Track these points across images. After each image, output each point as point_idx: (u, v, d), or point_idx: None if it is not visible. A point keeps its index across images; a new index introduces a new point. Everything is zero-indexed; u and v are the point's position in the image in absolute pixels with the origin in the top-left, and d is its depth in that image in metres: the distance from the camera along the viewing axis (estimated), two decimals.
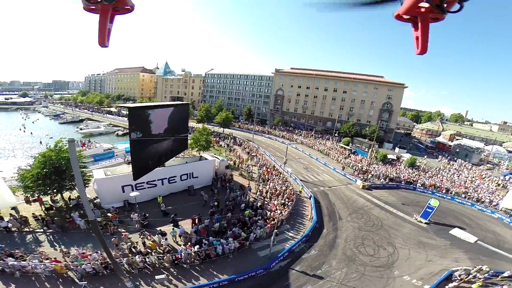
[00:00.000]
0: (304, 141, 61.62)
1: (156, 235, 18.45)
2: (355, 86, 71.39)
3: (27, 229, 18.72)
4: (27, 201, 22.12)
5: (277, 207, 24.57)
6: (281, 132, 68.50)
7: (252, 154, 44.23)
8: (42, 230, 18.74)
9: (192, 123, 54.29)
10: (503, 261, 20.82)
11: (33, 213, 19.89)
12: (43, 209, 21.30)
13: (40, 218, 19.39)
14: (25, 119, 75.09)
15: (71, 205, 22.18)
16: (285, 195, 26.96)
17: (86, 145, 40.91)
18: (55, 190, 21.01)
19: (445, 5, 2.09)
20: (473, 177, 45.68)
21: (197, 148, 38.21)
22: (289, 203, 25.50)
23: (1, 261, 14.30)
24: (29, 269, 14.45)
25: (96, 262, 15.02)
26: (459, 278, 17.37)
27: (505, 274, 17.89)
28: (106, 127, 64.74)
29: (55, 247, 17.21)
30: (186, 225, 20.79)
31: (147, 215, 20.59)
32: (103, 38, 2.78)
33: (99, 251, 16.03)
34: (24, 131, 60.30)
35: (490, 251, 22.54)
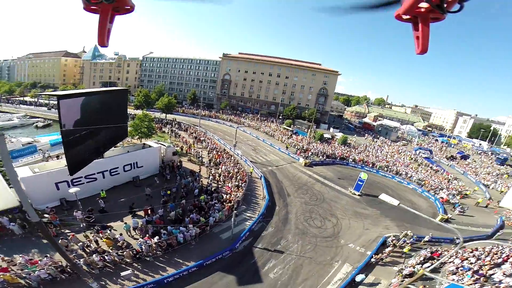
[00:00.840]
0: (251, 124, 63.30)
1: (108, 231, 17.21)
2: (296, 72, 75.90)
3: None
4: None
5: (231, 189, 25.21)
6: (229, 116, 68.78)
7: (201, 138, 43.54)
8: None
9: (130, 110, 49.98)
10: (421, 226, 24.96)
11: None
12: None
13: None
14: None
15: None
16: (238, 177, 27.74)
17: None
18: None
19: (445, 5, 2.11)
20: (392, 152, 54.04)
21: (137, 136, 35.79)
22: (242, 185, 26.40)
23: None
24: None
25: (50, 267, 13.52)
26: (392, 244, 20.51)
27: (426, 239, 21.62)
28: (21, 118, 54.56)
29: None
30: (138, 217, 19.82)
31: (93, 210, 19.01)
32: (103, 38, 2.78)
33: (48, 255, 14.45)
34: None
35: (410, 216, 26.59)
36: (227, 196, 23.85)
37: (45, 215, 18.00)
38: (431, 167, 47.01)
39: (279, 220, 23.12)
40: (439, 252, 19.50)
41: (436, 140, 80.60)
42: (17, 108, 67.19)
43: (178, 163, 30.24)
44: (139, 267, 15.74)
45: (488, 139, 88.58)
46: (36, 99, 75.61)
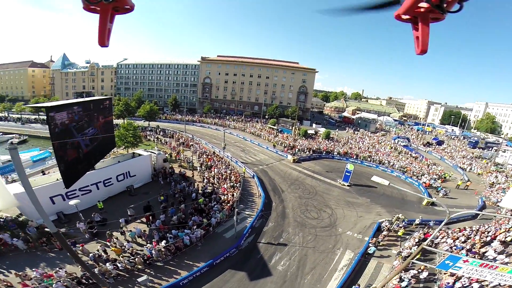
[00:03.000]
0: (236, 125, 63.69)
1: (115, 240, 17.18)
2: (276, 72, 77.44)
3: None
4: None
5: (227, 190, 25.66)
6: (213, 120, 68.60)
7: (190, 143, 43.46)
8: None
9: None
10: (409, 211, 26.47)
11: None
12: None
13: None
14: None
15: None
16: (232, 178, 28.22)
17: None
18: None
19: (445, 5, 2.10)
20: (373, 142, 56.75)
21: (124, 146, 35.17)
22: (237, 185, 26.93)
23: None
24: None
25: (67, 279, 13.42)
26: (386, 228, 21.80)
27: (417, 222, 23.07)
28: None
29: (3, 273, 14.58)
30: (140, 225, 20.04)
31: (93, 221, 18.81)
32: (103, 38, 2.76)
33: (62, 268, 14.33)
34: None
35: (399, 202, 28.97)
36: (225, 197, 24.30)
37: (46, 229, 17.60)
38: (410, 154, 49.84)
39: (278, 215, 23.92)
40: (430, 233, 20.85)
41: (412, 128, 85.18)
42: None
43: (170, 170, 30.17)
44: (152, 272, 15.90)
45: (459, 124, 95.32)
46: (6, 114, 71.16)
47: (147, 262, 16.17)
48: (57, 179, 19.58)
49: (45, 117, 49.19)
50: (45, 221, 9.89)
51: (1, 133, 53.82)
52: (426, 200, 28.86)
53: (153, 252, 16.27)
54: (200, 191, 25.50)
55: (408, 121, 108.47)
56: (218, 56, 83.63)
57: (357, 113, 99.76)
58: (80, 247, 16.37)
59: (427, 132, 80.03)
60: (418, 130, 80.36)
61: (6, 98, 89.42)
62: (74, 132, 17.86)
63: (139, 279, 14.59)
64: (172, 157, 36.74)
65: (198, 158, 36.22)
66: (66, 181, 16.75)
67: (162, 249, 16.55)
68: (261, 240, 20.12)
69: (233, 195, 24.57)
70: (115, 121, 51.20)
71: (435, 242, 19.99)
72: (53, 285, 13.10)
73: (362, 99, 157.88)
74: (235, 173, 29.98)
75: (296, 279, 16.55)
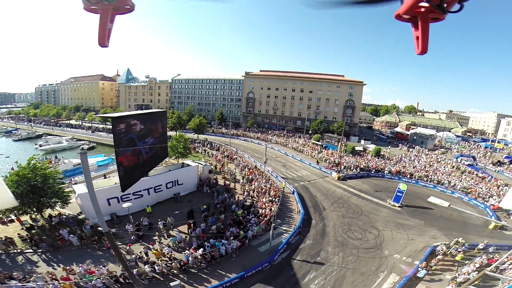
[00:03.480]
0: (278, 140, 63.64)
1: (157, 244, 18.32)
2: (320, 85, 75.99)
3: (15, 251, 17.53)
4: (2, 223, 20.58)
5: (265, 204, 25.57)
6: (256, 134, 69.78)
7: (234, 157, 44.78)
8: (31, 250, 17.65)
9: None
10: (472, 235, 23.51)
11: (18, 234, 18.76)
12: (24, 229, 19.98)
13: (27, 238, 18.23)
14: None
15: (53, 223, 20.95)
16: (271, 193, 28.06)
17: (53, 162, 37.86)
18: (34, 209, 19.94)
19: (445, 5, 2.10)
20: (431, 161, 51.19)
21: (174, 156, 37.70)
22: (276, 200, 26.64)
23: (4, 284, 13.48)
24: None
25: (106, 277, 14.64)
26: (442, 252, 19.52)
27: (480, 246, 20.43)
28: (69, 141, 60.10)
29: (53, 266, 16.42)
30: (182, 230, 21.04)
31: (140, 224, 20.33)
32: (103, 38, 2.78)
33: (104, 266, 15.70)
34: None
35: (459, 225, 25.79)
36: (263, 211, 24.23)
37: (99, 228, 19.57)
38: (476, 174, 43.90)
39: (317, 233, 22.91)
40: (497, 259, 18.07)
41: (478, 145, 74.92)
42: (65, 131, 74.21)
43: (214, 181, 31.33)
44: (185, 278, 16.38)
45: None
46: (81, 123, 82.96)
47: (183, 268, 16.75)
48: (115, 183, 21.73)
49: (111, 126, 55.94)
50: (100, 220, 10.97)
51: (75, 139, 62.74)
52: (494, 224, 25.20)
53: (189, 258, 16.85)
54: (239, 203, 25.83)
55: (473, 137, 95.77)
56: (260, 71, 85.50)
57: (412, 128, 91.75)
58: (128, 247, 17.72)
59: (498, 150, 69.65)
60: (486, 147, 70.51)
61: (81, 108, 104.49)
62: (136, 140, 19.92)
63: (172, 284, 15.12)
64: (217, 168, 38.19)
65: (241, 171, 36.98)
66: (122, 185, 18.66)
67: (199, 257, 17.06)
68: (296, 257, 19.39)
69: (271, 209, 24.36)
70: (169, 133, 55.95)
71: (500, 268, 17.23)
72: (93, 281, 14.32)
73: (417, 113, 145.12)
74: (275, 188, 29.75)
75: None
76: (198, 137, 60.48)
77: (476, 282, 15.42)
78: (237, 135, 68.87)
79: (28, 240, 18.20)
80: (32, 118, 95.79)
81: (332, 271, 17.96)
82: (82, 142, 60.76)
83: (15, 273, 14.41)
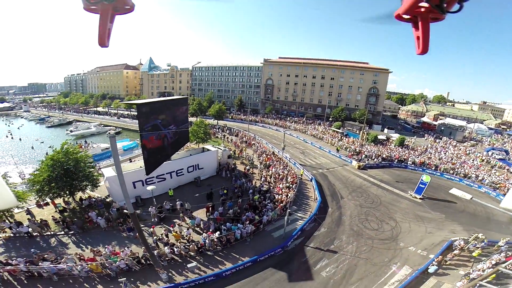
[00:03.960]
0: (297, 127, 63.14)
1: (177, 226, 19.17)
2: (342, 72, 73.37)
3: (49, 233, 18.96)
4: (39, 205, 22.12)
5: (282, 190, 25.80)
6: (274, 120, 69.60)
7: (251, 143, 45.25)
8: (63, 233, 19.03)
9: None
10: (494, 231, 22.38)
11: (52, 216, 20.21)
12: (57, 211, 21.43)
13: (60, 220, 19.62)
14: (9, 126, 72.06)
15: (83, 206, 22.36)
16: (289, 179, 28.21)
17: (83, 147, 40.40)
18: (67, 192, 21.22)
19: (444, 5, 2.10)
20: (458, 153, 48.43)
21: (195, 141, 38.73)
22: (293, 186, 26.77)
23: (37, 265, 14.49)
24: (65, 271, 14.77)
25: (129, 258, 15.58)
26: (459, 247, 18.78)
27: (500, 244, 19.28)
28: (97, 127, 63.58)
29: (82, 248, 17.64)
30: (200, 214, 21.72)
31: (163, 207, 21.28)
32: (103, 38, 2.79)
33: (127, 247, 16.75)
34: (12, 138, 58.33)
35: (481, 221, 24.53)
36: (279, 197, 24.48)
37: (125, 211, 20.61)
38: (508, 169, 41.09)
39: (332, 221, 22.88)
40: None
41: None
42: (93, 118, 78.32)
43: (233, 166, 31.98)
44: (201, 260, 17.12)
45: None
46: (107, 109, 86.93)
47: (200, 250, 17.48)
48: (140, 167, 22.76)
49: (135, 113, 59.08)
50: (127, 202, 11.81)
51: (102, 125, 66.11)
52: None
53: (206, 241, 17.56)
54: (256, 189, 26.27)
55: (508, 130, 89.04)
56: (279, 57, 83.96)
57: (440, 119, 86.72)
58: (152, 229, 18.72)
59: None
60: None
61: (107, 96, 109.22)
62: (159, 125, 20.65)
63: (189, 265, 15.93)
64: (236, 154, 38.87)
65: (259, 157, 37.32)
66: (147, 168, 19.52)
67: (215, 239, 17.70)
68: (310, 244, 19.60)
69: (287, 195, 24.58)
70: (190, 119, 57.34)
71: None
72: (117, 262, 15.26)
73: (447, 103, 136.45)
74: (292, 174, 29.83)
75: (338, 287, 15.67)
76: (217, 123, 61.46)
77: (490, 279, 14.78)
78: (256, 121, 69.14)
79: (61, 222, 19.49)
80: (63, 106, 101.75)
81: (344, 260, 18.01)
82: (109, 127, 63.89)
83: (47, 255, 15.53)
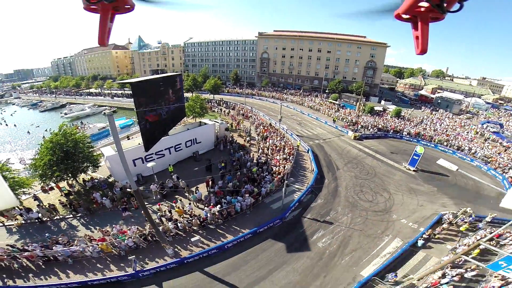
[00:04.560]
0: (294, 99, 62.91)
1: (179, 202, 19.47)
2: (339, 46, 72.13)
3: (58, 217, 19.24)
4: (44, 191, 22.28)
5: (279, 162, 26.19)
6: (271, 93, 69.23)
7: (248, 115, 45.23)
8: (71, 216, 19.27)
9: None
10: (484, 206, 22.71)
11: (59, 200, 20.43)
12: (63, 195, 21.54)
13: (67, 204, 19.79)
14: (1, 113, 70.68)
15: (87, 187, 22.42)
16: (286, 150, 28.56)
17: (79, 128, 40.09)
18: (70, 175, 21.20)
19: (445, 5, 2.09)
20: (454, 125, 48.80)
21: (192, 116, 38.63)
22: (290, 157, 27.12)
23: (51, 249, 14.82)
24: (78, 253, 15.13)
25: (137, 236, 15.89)
26: (448, 221, 19.38)
27: (487, 219, 19.66)
28: (91, 108, 62.82)
29: (91, 229, 17.94)
30: (201, 188, 22.04)
31: (165, 185, 21.53)
32: (103, 37, 2.79)
33: (134, 225, 17.11)
34: (6, 125, 57.60)
35: (472, 195, 24.93)
36: (276, 168, 24.82)
37: (128, 189, 20.97)
38: (500, 143, 41.45)
39: (328, 192, 23.38)
40: (500, 233, 17.82)
41: (510, 113, 69.75)
42: (86, 99, 77.00)
43: (230, 138, 32.24)
44: (204, 233, 17.58)
45: None
46: (100, 90, 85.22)
47: (202, 224, 17.96)
48: (139, 144, 22.63)
49: (130, 92, 58.01)
50: (129, 180, 11.93)
51: (97, 106, 65.24)
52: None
53: (208, 215, 17.99)
54: (254, 161, 26.64)
55: (505, 105, 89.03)
56: (274, 31, 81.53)
57: (438, 92, 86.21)
58: (158, 206, 19.20)
59: None
60: None
61: (98, 77, 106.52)
62: (154, 102, 20.38)
63: (192, 239, 16.44)
64: (233, 127, 39.04)
65: (256, 129, 37.49)
66: (146, 145, 19.51)
67: (216, 213, 18.14)
68: (307, 216, 20.14)
69: (284, 167, 24.92)
70: (185, 94, 56.52)
71: (501, 243, 17.16)
72: (125, 240, 15.64)
73: (446, 78, 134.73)
74: (289, 146, 30.09)
75: (333, 258, 16.29)
76: (214, 97, 60.88)
77: (474, 254, 15.35)
78: (252, 94, 68.80)
79: (68, 205, 19.67)
80: (54, 90, 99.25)
81: (339, 231, 18.61)
82: (104, 107, 63.12)
83: (60, 238, 15.84)
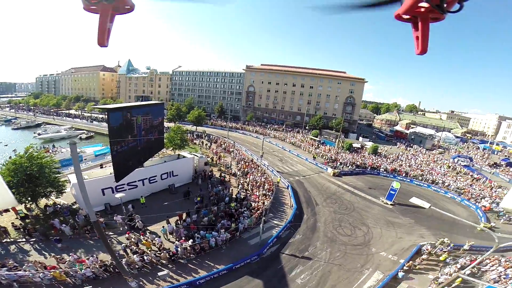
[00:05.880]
0: (277, 135, 63.81)
1: (148, 234, 18.60)
2: (321, 81, 75.80)
3: (8, 240, 17.79)
4: None
5: (259, 197, 25.84)
6: (254, 128, 69.80)
7: (230, 150, 44.96)
8: (24, 240, 17.92)
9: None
10: (460, 235, 23.83)
11: (12, 223, 19.02)
12: (18, 218, 20.14)
13: (20, 227, 18.51)
14: None
15: (48, 213, 21.13)
16: (265, 186, 28.31)
17: (50, 151, 38.06)
18: (29, 198, 20.07)
19: (445, 5, 2.09)
20: (427, 160, 51.33)
21: (172, 147, 37.88)
22: (270, 193, 26.88)
23: None
24: (26, 278, 13.99)
25: (95, 266, 14.88)
26: (427, 251, 19.79)
27: (465, 247, 20.66)
28: (67, 130, 60.28)
29: (45, 255, 16.68)
30: (173, 222, 21.03)
31: (134, 215, 20.48)
32: (103, 38, 2.77)
33: (94, 255, 15.93)
34: None
35: (448, 225, 25.81)
36: (255, 204, 24.48)
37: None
38: (471, 175, 44.03)
39: (307, 228, 23.20)
40: (479, 260, 18.58)
41: (478, 147, 74.73)
42: (64, 121, 74.35)
43: (210, 173, 31.58)
44: (173, 268, 16.70)
45: None
46: (80, 112, 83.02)
47: (172, 258, 17.04)
48: (110, 173, 21.65)
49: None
50: (88, 210, 11.31)
51: (73, 129, 62.93)
52: (483, 224, 25.63)
53: (178, 249, 17.13)
54: (234, 196, 26.09)
55: (472, 138, 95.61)
56: (261, 64, 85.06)
57: (412, 128, 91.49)
58: (127, 235, 18.16)
59: (496, 152, 69.92)
60: (484, 149, 70.52)
61: (81, 99, 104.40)
62: (131, 131, 19.97)
63: (160, 273, 15.52)
64: (213, 161, 38.44)
65: (237, 164, 37.19)
66: (116, 175, 18.76)
67: (188, 248, 17.32)
68: (285, 251, 19.73)
69: (263, 203, 24.61)
70: (167, 124, 56.03)
71: (482, 270, 17.71)
72: (82, 270, 14.57)
73: (419, 112, 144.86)
74: (269, 182, 29.95)
75: None
76: (196, 129, 60.66)
77: (457, 283, 15.60)
78: (236, 128, 68.97)
79: (22, 229, 18.46)
80: (32, 107, 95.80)
81: (318, 266, 18.28)
82: (81, 131, 60.91)
83: (8, 261, 14.62)
